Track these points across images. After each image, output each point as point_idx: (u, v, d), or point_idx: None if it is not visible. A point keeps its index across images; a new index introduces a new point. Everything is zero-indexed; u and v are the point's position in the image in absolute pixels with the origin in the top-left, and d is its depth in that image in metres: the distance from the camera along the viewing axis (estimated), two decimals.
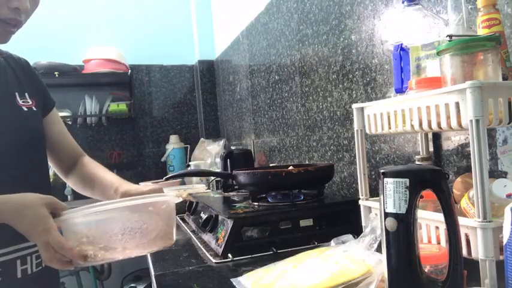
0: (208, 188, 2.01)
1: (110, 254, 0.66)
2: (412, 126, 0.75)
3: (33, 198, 0.68)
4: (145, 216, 0.70)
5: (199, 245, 1.15)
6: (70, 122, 2.70)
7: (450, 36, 0.68)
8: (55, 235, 0.65)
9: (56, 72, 2.52)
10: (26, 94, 0.92)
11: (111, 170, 1.01)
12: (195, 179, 2.40)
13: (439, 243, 0.72)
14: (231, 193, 1.58)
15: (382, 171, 0.60)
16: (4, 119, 0.85)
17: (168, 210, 0.73)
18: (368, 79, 1.20)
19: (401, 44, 0.84)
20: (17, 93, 0.90)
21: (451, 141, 0.93)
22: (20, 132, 0.87)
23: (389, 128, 0.82)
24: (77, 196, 2.70)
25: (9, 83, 0.90)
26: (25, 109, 0.90)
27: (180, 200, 0.80)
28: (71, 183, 1.04)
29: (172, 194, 0.76)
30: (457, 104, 0.64)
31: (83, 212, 0.67)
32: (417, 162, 0.92)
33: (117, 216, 0.68)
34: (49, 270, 0.91)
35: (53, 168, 1.06)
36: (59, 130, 1.03)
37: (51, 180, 1.06)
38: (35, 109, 0.93)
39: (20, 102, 0.90)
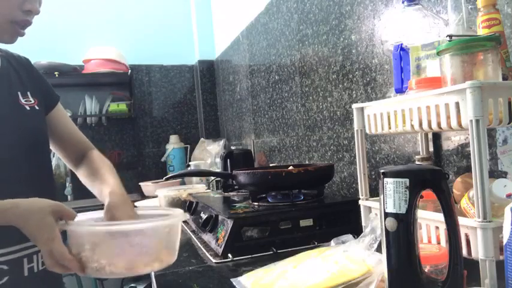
0: (208, 188, 2.01)
1: (109, 269, 0.67)
2: (412, 126, 0.75)
3: (41, 205, 0.68)
4: (146, 239, 0.70)
5: (199, 245, 1.15)
6: None
7: (450, 36, 0.68)
8: (58, 245, 0.65)
9: (56, 72, 2.52)
10: (28, 93, 0.93)
11: None
12: (195, 179, 2.40)
13: (439, 243, 0.72)
14: (231, 193, 1.58)
15: (382, 171, 0.60)
16: (6, 119, 0.86)
17: (170, 233, 0.73)
18: (368, 79, 1.20)
19: (401, 44, 0.84)
20: (19, 93, 0.91)
21: (451, 141, 0.93)
22: (22, 131, 0.88)
23: (389, 128, 0.82)
24: (77, 196, 2.71)
25: (12, 83, 0.90)
26: (27, 108, 0.91)
27: (187, 217, 0.80)
28: (80, 177, 1.05)
29: (179, 213, 0.76)
30: (457, 104, 0.64)
31: (88, 228, 0.70)
32: (417, 162, 0.92)
33: (119, 237, 0.69)
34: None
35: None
36: (65, 125, 1.04)
37: None
38: (37, 108, 0.93)
39: (23, 101, 0.90)
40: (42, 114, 0.96)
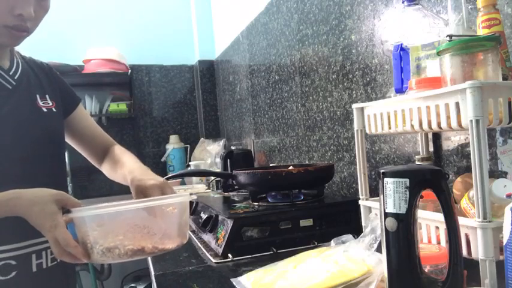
0: (208, 188, 2.01)
1: (112, 254, 0.67)
2: (412, 126, 0.75)
3: (44, 194, 0.70)
4: (151, 219, 0.70)
5: (199, 245, 1.15)
6: None
7: (450, 36, 0.68)
8: (62, 231, 0.67)
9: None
10: (47, 96, 0.97)
11: None
12: (195, 179, 2.40)
13: (439, 243, 0.72)
14: (231, 193, 1.58)
15: (382, 171, 0.60)
16: (24, 119, 0.89)
17: (175, 213, 0.73)
18: (368, 79, 1.20)
19: (401, 44, 0.84)
20: (38, 95, 0.95)
21: (451, 141, 0.93)
22: (38, 131, 0.91)
23: (389, 128, 0.82)
24: (77, 196, 2.70)
25: (31, 85, 0.95)
26: (45, 110, 0.94)
27: (195, 197, 0.79)
28: (105, 172, 1.09)
29: (185, 194, 0.76)
30: (457, 104, 0.64)
31: (89, 212, 0.69)
32: (417, 162, 0.92)
33: (119, 219, 0.69)
34: (64, 265, 0.94)
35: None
36: (87, 124, 1.09)
37: None
38: (54, 110, 0.97)
39: (40, 103, 0.94)
40: (60, 116, 1.00)
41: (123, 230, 0.68)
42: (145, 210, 0.70)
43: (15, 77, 0.91)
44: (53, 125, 0.96)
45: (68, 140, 1.07)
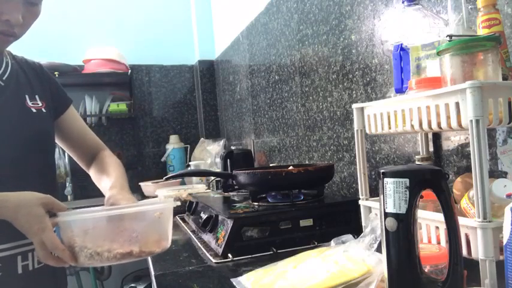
0: (208, 188, 2.01)
1: (100, 257, 0.68)
2: (412, 126, 0.75)
3: (31, 197, 0.70)
4: (135, 224, 0.72)
5: (199, 245, 1.15)
6: None
7: (450, 36, 0.68)
8: (49, 235, 0.67)
9: (56, 72, 2.52)
10: (37, 96, 0.96)
11: None
12: (195, 179, 2.40)
13: (439, 243, 0.72)
14: (231, 193, 1.58)
15: (382, 171, 0.60)
16: (13, 120, 0.88)
17: (161, 218, 0.75)
18: (368, 79, 1.20)
19: (401, 44, 0.84)
20: (27, 96, 0.94)
21: (451, 141, 0.93)
22: (27, 132, 0.90)
23: (390, 128, 0.82)
24: (77, 196, 2.71)
25: (21, 85, 0.94)
26: (34, 111, 0.93)
27: (178, 204, 0.81)
28: (92, 177, 1.08)
29: (169, 200, 0.78)
30: (457, 104, 0.64)
31: (76, 216, 0.71)
32: (417, 162, 0.92)
33: (108, 223, 0.71)
34: (53, 268, 0.93)
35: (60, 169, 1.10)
36: (77, 126, 1.08)
37: None
38: (44, 111, 0.96)
39: (30, 104, 0.93)
40: (50, 117, 0.99)
41: (112, 234, 0.69)
42: (132, 216, 0.72)
43: (4, 78, 0.90)
44: (43, 126, 0.95)
45: (58, 141, 1.06)
